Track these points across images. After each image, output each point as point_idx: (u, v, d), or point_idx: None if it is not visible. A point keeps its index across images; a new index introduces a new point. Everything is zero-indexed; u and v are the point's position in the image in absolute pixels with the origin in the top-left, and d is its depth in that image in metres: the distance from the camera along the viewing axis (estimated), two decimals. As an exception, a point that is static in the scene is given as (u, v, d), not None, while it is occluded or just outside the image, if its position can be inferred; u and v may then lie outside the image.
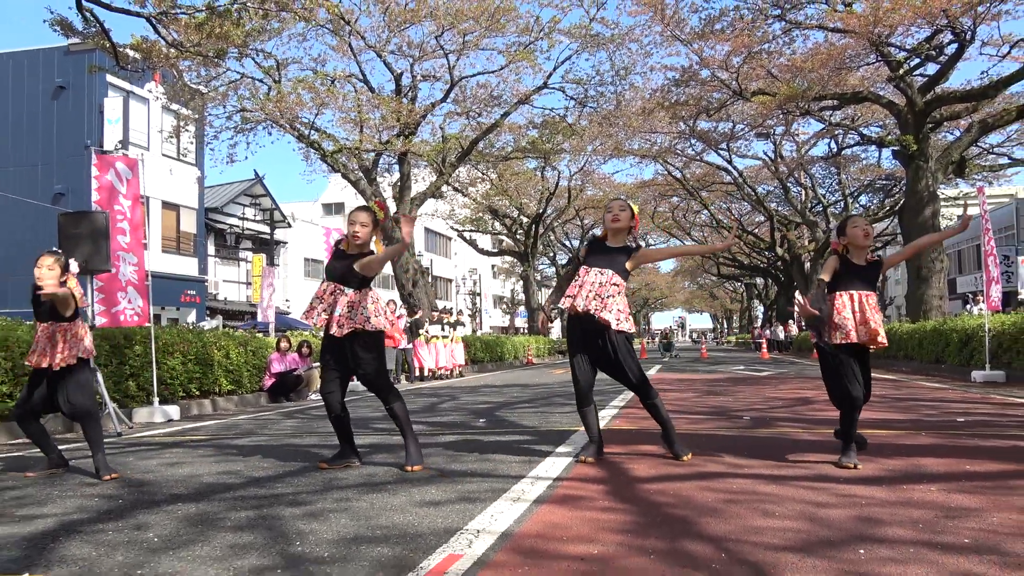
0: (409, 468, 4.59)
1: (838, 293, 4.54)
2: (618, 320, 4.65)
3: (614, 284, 4.68)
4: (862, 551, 2.76)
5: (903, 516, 3.25)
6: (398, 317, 16.41)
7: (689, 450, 4.86)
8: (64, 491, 4.25)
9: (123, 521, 3.48)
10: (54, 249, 5.15)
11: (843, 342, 4.45)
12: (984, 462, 4.47)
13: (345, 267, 4.72)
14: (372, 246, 4.84)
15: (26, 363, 4.96)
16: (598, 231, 5.01)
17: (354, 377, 4.85)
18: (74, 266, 4.99)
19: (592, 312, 4.62)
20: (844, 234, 4.63)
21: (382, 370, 4.84)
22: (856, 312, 4.46)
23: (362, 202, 23.65)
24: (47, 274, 4.79)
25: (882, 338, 4.46)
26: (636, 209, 4.92)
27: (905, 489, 3.79)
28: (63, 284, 4.84)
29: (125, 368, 8.70)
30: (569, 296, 4.73)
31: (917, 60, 18.33)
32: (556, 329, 49.13)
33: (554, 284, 54.85)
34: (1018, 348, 11.79)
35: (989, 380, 11.63)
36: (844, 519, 3.23)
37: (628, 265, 4.76)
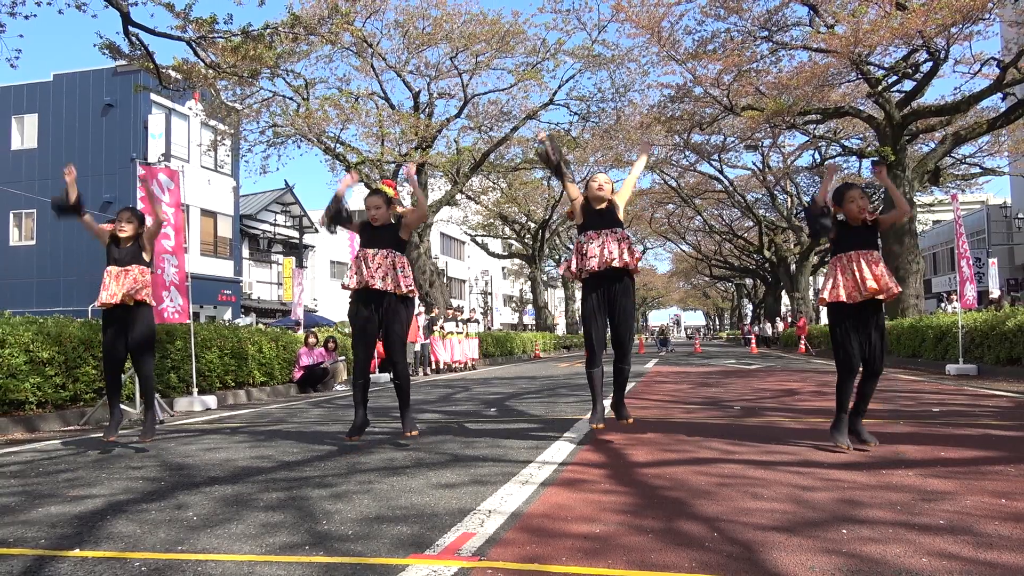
0: (408, 434, 4.84)
1: (836, 256, 4.45)
2: (634, 264, 4.78)
3: (625, 238, 4.83)
4: (845, 531, 2.74)
5: (883, 499, 3.22)
6: (417, 315, 16.43)
7: (631, 416, 5.01)
8: (112, 473, 4.27)
9: (165, 501, 3.49)
10: (130, 207, 5.55)
11: (834, 300, 4.39)
12: (958, 449, 4.43)
13: (392, 235, 4.91)
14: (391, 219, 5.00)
15: (97, 305, 5.24)
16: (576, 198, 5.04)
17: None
18: (148, 220, 5.48)
19: (616, 263, 4.70)
20: (840, 204, 4.47)
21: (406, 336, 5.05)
22: (856, 271, 4.34)
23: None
24: (127, 225, 5.24)
25: (884, 287, 4.28)
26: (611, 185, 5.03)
27: (885, 474, 3.76)
28: (138, 237, 5.31)
29: (167, 361, 8.74)
30: (592, 257, 4.75)
31: (895, 77, 18.21)
32: (561, 326, 49.05)
33: (559, 284, 54.79)
34: (989, 343, 11.69)
35: (962, 373, 11.55)
36: (828, 501, 3.20)
37: (620, 215, 4.94)
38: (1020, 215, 33.97)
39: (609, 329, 4.97)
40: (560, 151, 5.07)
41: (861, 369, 4.48)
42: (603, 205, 4.91)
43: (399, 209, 5.02)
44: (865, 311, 4.42)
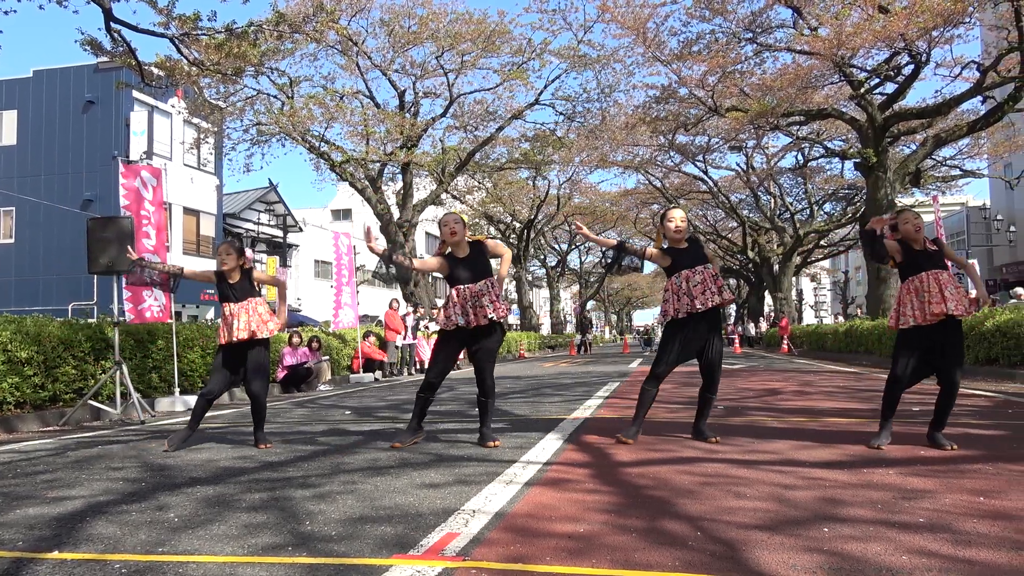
0: (492, 444, 4.81)
1: (907, 280, 4.47)
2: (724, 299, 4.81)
3: (715, 276, 4.84)
4: (826, 529, 2.76)
5: (863, 497, 3.25)
6: (405, 315, 16.39)
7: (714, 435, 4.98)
8: (92, 475, 4.22)
9: (146, 503, 3.46)
10: (230, 239, 5.54)
11: (903, 327, 4.47)
12: (937, 448, 4.48)
13: (482, 261, 4.92)
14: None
15: (222, 343, 5.17)
16: (654, 247, 5.03)
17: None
18: (249, 252, 5.42)
19: (715, 304, 4.74)
20: (897, 231, 4.51)
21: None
22: (929, 291, 4.35)
23: (368, 209, 23.57)
24: (227, 258, 5.15)
25: (954, 309, 4.27)
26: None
27: (865, 473, 3.80)
28: (242, 267, 5.21)
29: (148, 361, 8.66)
30: (686, 296, 4.74)
31: (877, 80, 18.38)
32: (546, 326, 49.09)
33: (544, 284, 54.80)
34: (968, 343, 11.83)
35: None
36: (809, 500, 3.23)
37: (708, 253, 4.94)
38: (999, 217, 34.40)
39: (699, 361, 4.98)
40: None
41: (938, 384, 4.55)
42: (682, 242, 4.91)
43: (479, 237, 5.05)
44: (944, 330, 4.40)
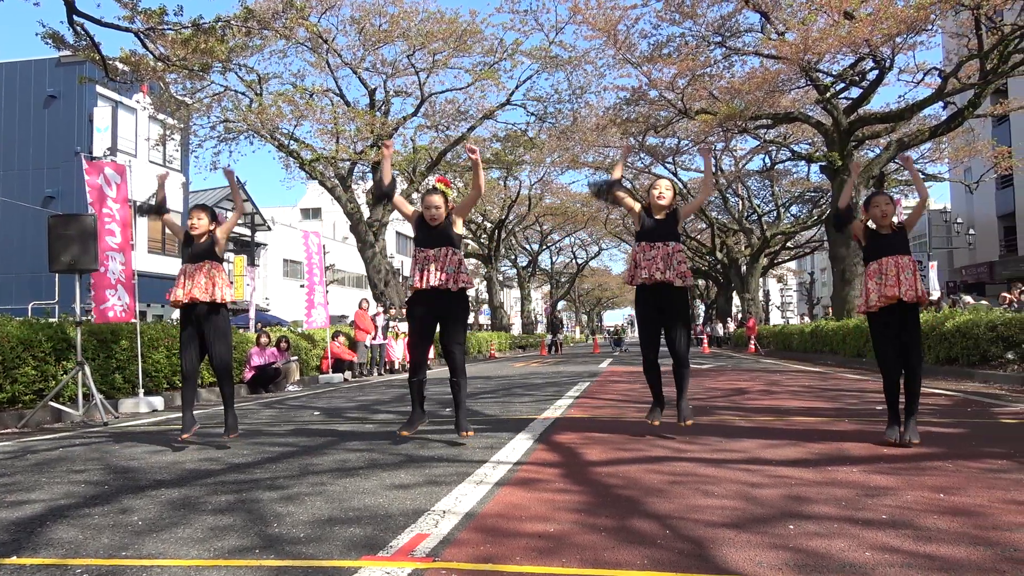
0: (464, 433, 4.85)
1: (867, 264, 4.60)
2: (682, 279, 4.88)
3: (679, 251, 4.93)
4: (792, 526, 2.80)
5: (828, 495, 3.31)
6: (375, 315, 16.29)
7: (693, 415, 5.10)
8: (52, 478, 4.13)
9: (108, 506, 3.39)
10: (203, 204, 5.46)
11: (865, 311, 4.60)
12: (900, 446, 4.57)
13: (444, 233, 4.93)
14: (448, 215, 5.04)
15: (171, 303, 5.19)
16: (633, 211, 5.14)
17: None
18: (221, 217, 5.42)
19: (667, 280, 4.82)
20: (867, 210, 4.65)
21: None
22: (886, 275, 4.48)
23: (338, 208, 23.38)
24: (198, 222, 5.18)
25: (904, 294, 4.40)
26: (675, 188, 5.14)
27: (830, 470, 3.86)
28: (212, 232, 5.23)
29: (112, 362, 8.50)
30: (643, 269, 4.89)
31: (842, 84, 18.71)
32: (517, 326, 49.15)
33: (515, 284, 54.83)
34: (929, 343, 12.09)
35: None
36: (775, 498, 3.27)
37: (678, 228, 5.05)
38: (959, 220, 35.24)
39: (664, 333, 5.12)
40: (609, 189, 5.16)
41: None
42: (660, 213, 5.01)
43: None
44: (901, 314, 4.54)
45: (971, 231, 34.21)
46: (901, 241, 4.60)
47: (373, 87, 21.00)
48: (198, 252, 5.18)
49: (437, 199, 4.93)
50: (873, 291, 4.55)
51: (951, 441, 4.84)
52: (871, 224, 4.71)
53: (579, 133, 24.28)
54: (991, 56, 15.03)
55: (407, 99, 22.10)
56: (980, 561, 2.37)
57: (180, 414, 5.25)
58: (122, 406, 8.27)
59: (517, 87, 22.07)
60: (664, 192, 5.00)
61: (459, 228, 5.05)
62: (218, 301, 5.12)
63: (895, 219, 4.64)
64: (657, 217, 5.01)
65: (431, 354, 19.26)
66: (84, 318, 7.79)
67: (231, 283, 5.32)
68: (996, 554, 2.43)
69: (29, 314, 10.39)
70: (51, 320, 8.77)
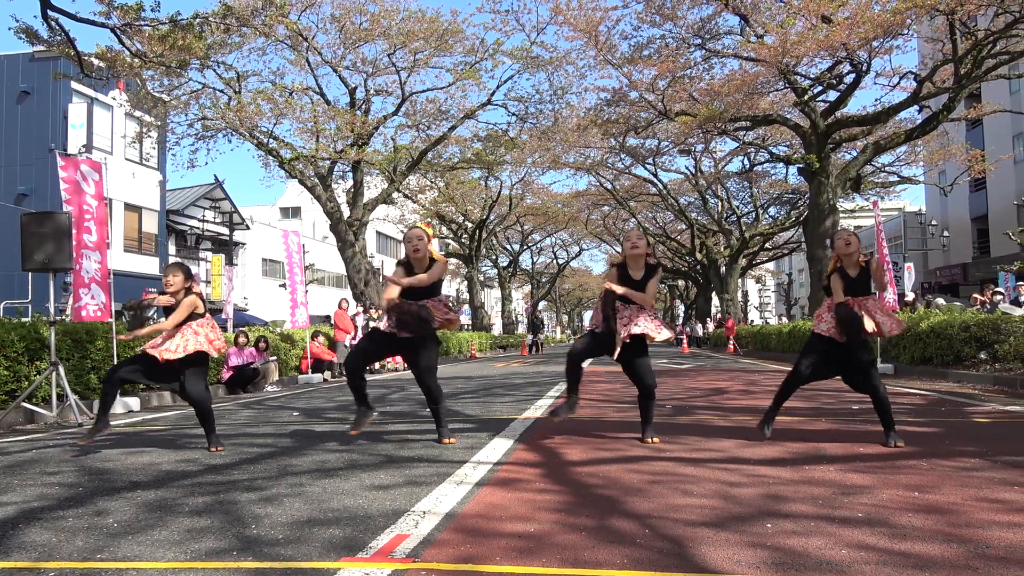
0: (446, 440, 4.98)
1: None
2: (656, 330, 4.81)
3: (640, 311, 4.82)
4: (769, 525, 2.83)
5: (805, 494, 3.34)
6: (355, 315, 16.20)
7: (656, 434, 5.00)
8: (25, 480, 4.06)
9: (83, 508, 3.34)
10: (179, 263, 5.25)
11: (823, 333, 4.70)
12: (875, 445, 4.63)
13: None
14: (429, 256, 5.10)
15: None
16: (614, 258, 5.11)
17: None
18: (198, 281, 5.27)
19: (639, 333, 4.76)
20: (834, 248, 4.81)
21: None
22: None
23: (318, 207, 23.22)
24: (172, 279, 5.05)
25: (882, 333, 4.61)
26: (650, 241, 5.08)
27: (807, 469, 3.90)
28: (188, 290, 5.07)
29: (87, 362, 8.38)
30: (619, 325, 4.80)
31: (820, 88, 18.91)
32: (498, 326, 49.11)
33: (496, 284, 54.82)
34: (904, 344, 12.26)
35: (881, 372, 11.99)
36: (754, 497, 3.30)
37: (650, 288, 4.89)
38: (934, 222, 35.76)
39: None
40: None
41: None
42: (636, 269, 4.88)
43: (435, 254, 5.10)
44: (846, 349, 4.65)
45: (945, 233, 34.73)
46: (863, 282, 4.72)
47: (354, 86, 20.92)
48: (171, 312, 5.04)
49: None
50: (829, 322, 4.69)
51: (925, 440, 4.91)
52: (835, 263, 4.81)
53: (560, 133, 24.34)
54: (965, 61, 15.27)
55: (388, 98, 22.04)
56: (954, 558, 2.40)
57: (156, 415, 5.18)
58: (97, 407, 8.15)
59: (498, 87, 22.12)
60: (636, 241, 4.86)
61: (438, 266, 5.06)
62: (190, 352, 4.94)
63: (861, 257, 4.74)
64: (634, 277, 4.86)
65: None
66: (58, 318, 7.67)
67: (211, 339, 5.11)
68: (969, 551, 2.47)
69: (1, 313, 10.21)
70: (24, 320, 8.63)
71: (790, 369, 4.99)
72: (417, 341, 4.92)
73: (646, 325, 4.79)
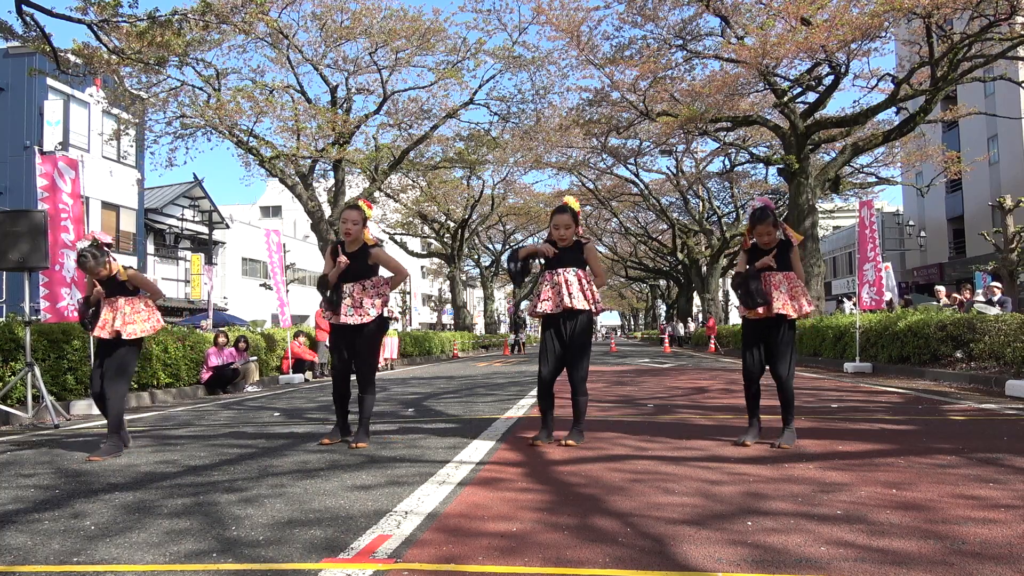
0: (353, 445, 4.84)
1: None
2: (591, 304, 4.81)
3: (585, 279, 4.84)
4: (750, 523, 2.85)
5: (785, 491, 3.38)
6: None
7: (583, 438, 4.88)
8: (0, 482, 4.00)
9: (60, 510, 3.30)
10: (89, 250, 4.99)
11: (742, 315, 4.75)
12: (854, 443, 4.68)
13: (363, 266, 4.93)
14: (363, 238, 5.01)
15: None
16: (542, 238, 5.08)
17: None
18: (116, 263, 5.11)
19: (572, 307, 4.73)
20: (753, 229, 4.73)
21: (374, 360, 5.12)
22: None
23: (299, 206, 23.09)
24: (101, 270, 4.95)
25: (775, 309, 4.53)
26: (576, 205, 4.96)
27: (787, 467, 3.94)
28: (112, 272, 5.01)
29: (63, 362, 8.27)
30: (546, 300, 4.80)
31: (799, 89, 19.10)
32: (480, 326, 49.08)
33: (478, 284, 54.78)
34: (883, 343, 12.41)
35: (859, 371, 12.20)
36: (734, 495, 3.33)
37: (584, 257, 4.91)
38: (911, 223, 36.22)
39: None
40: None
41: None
42: (567, 244, 4.89)
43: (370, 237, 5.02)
44: (768, 327, 4.65)
45: (922, 233, 35.19)
46: (781, 257, 4.64)
47: (335, 84, 20.80)
48: (109, 290, 5.03)
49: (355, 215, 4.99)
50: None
51: (902, 438, 4.97)
52: (752, 240, 4.79)
53: (542, 133, 24.40)
54: (941, 63, 15.49)
55: (369, 97, 21.96)
56: (931, 554, 2.44)
57: (134, 416, 5.12)
58: (74, 408, 8.05)
59: (480, 86, 22.08)
60: (556, 222, 4.87)
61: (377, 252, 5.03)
62: (123, 336, 4.88)
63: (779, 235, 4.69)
64: (565, 247, 4.88)
65: (394, 354, 19.22)
66: (34, 318, 7.55)
67: (147, 316, 5.06)
68: (945, 547, 2.51)
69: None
70: (-2, 319, 8.49)
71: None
72: (355, 327, 4.91)
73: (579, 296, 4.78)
